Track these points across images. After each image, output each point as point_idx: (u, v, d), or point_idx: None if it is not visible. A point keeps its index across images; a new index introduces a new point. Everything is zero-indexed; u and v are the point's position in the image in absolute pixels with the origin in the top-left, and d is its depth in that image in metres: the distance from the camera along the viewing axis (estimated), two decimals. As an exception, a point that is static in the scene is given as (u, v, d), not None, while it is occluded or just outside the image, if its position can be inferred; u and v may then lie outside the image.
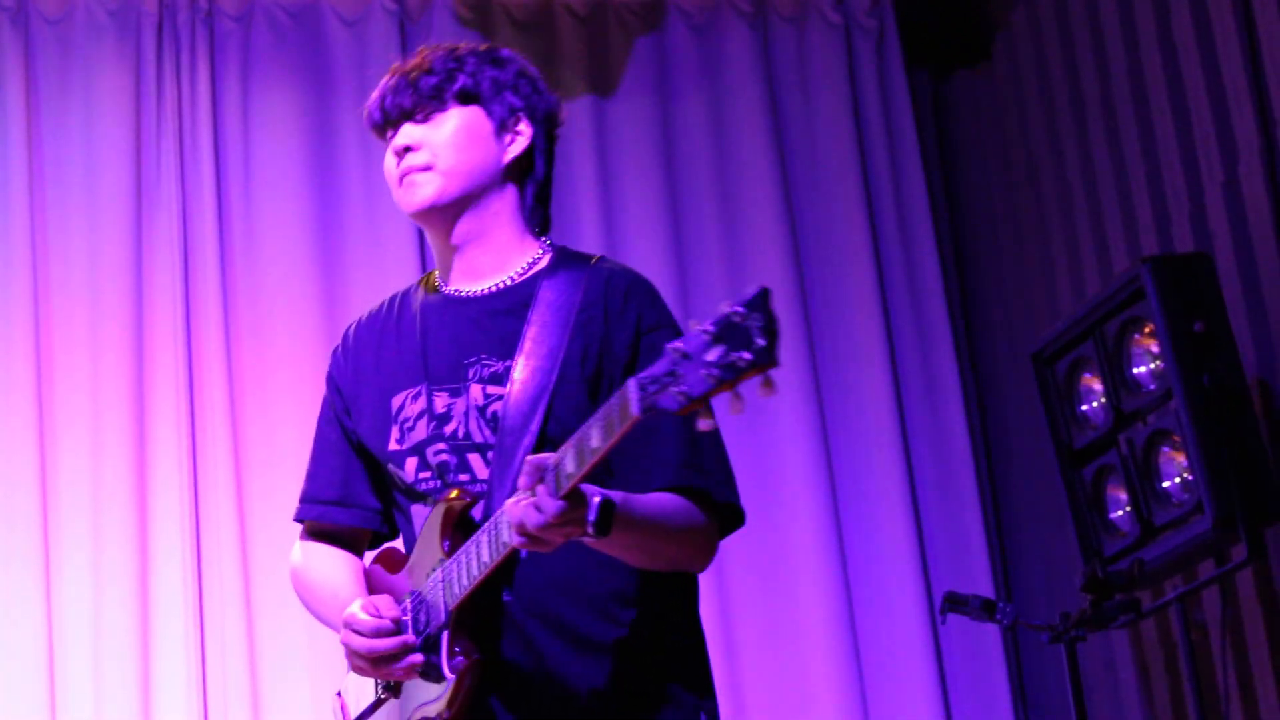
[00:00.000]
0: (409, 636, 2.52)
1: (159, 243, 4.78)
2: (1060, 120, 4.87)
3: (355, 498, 2.76)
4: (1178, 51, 4.34)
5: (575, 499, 2.28)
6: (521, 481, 2.29)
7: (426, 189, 2.66)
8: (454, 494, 2.59)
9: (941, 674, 4.91)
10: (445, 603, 2.50)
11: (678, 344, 2.10)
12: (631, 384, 2.14)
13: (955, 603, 4.16)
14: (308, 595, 2.81)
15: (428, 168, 2.66)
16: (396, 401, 2.67)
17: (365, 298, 4.74)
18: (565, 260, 2.68)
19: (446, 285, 2.72)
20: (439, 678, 2.51)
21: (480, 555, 2.43)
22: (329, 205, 4.94)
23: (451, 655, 2.49)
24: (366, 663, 2.54)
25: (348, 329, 2.83)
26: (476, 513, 2.57)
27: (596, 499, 2.30)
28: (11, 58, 4.81)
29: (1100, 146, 4.67)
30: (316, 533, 2.82)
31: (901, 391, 5.09)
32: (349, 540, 2.80)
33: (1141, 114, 4.49)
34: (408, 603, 2.58)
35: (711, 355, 2.04)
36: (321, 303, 4.86)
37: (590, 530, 2.30)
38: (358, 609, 2.55)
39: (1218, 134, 4.20)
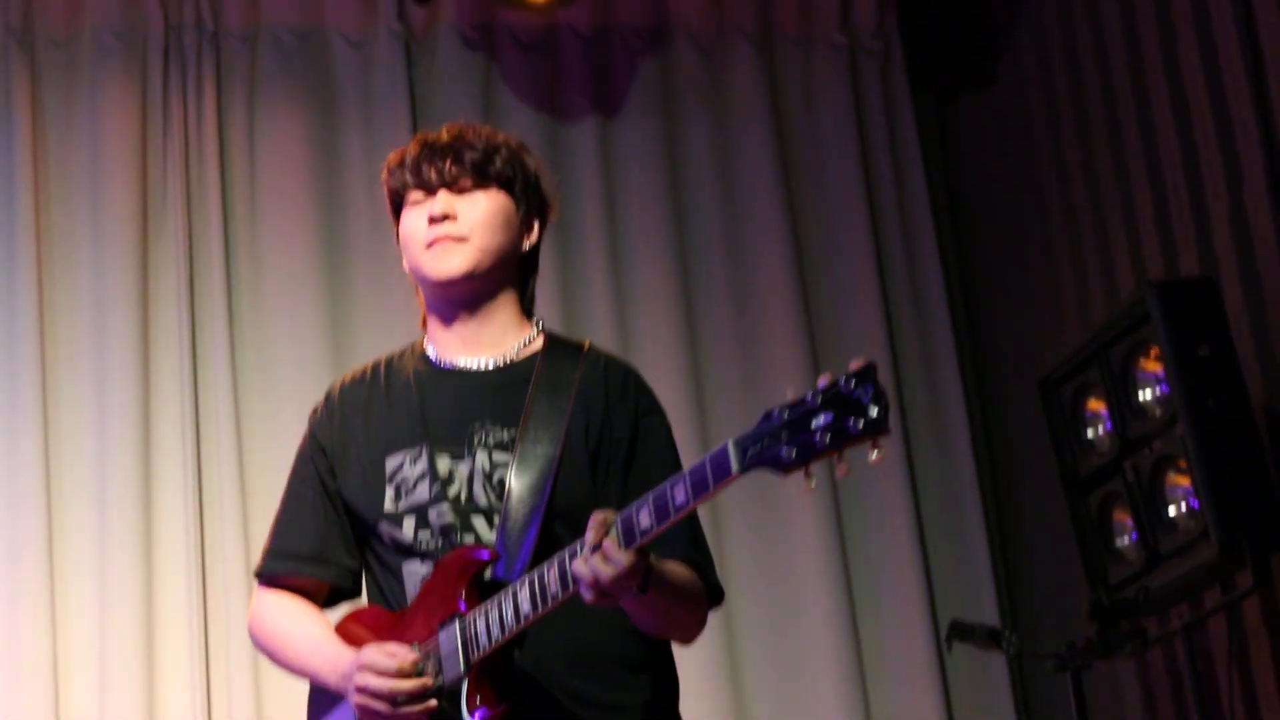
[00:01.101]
0: (428, 679, 2.60)
1: (165, 263, 4.79)
2: (1066, 144, 4.86)
3: (331, 555, 2.86)
4: (1183, 75, 4.33)
5: (642, 555, 2.44)
6: (589, 537, 2.42)
7: (461, 259, 2.78)
8: (470, 550, 2.68)
9: (947, 702, 4.89)
10: (467, 654, 2.58)
11: (780, 410, 2.27)
12: (729, 444, 2.30)
13: (961, 631, 4.15)
14: (279, 647, 2.87)
15: (463, 239, 2.79)
16: (392, 462, 2.79)
17: (370, 318, 4.77)
18: (559, 344, 2.87)
19: (442, 356, 2.85)
20: None
21: (520, 608, 2.53)
22: (334, 226, 4.94)
23: (472, 707, 2.56)
24: (385, 704, 2.60)
25: (330, 390, 2.94)
26: (498, 570, 2.67)
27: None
28: (18, 80, 4.81)
29: (1106, 170, 4.66)
30: (277, 585, 2.90)
31: (906, 416, 5.07)
32: (311, 597, 2.88)
33: (1147, 138, 4.48)
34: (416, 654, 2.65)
35: (819, 422, 2.23)
36: (326, 322, 4.86)
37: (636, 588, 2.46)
38: (374, 651, 2.63)
39: (1223, 158, 4.19)
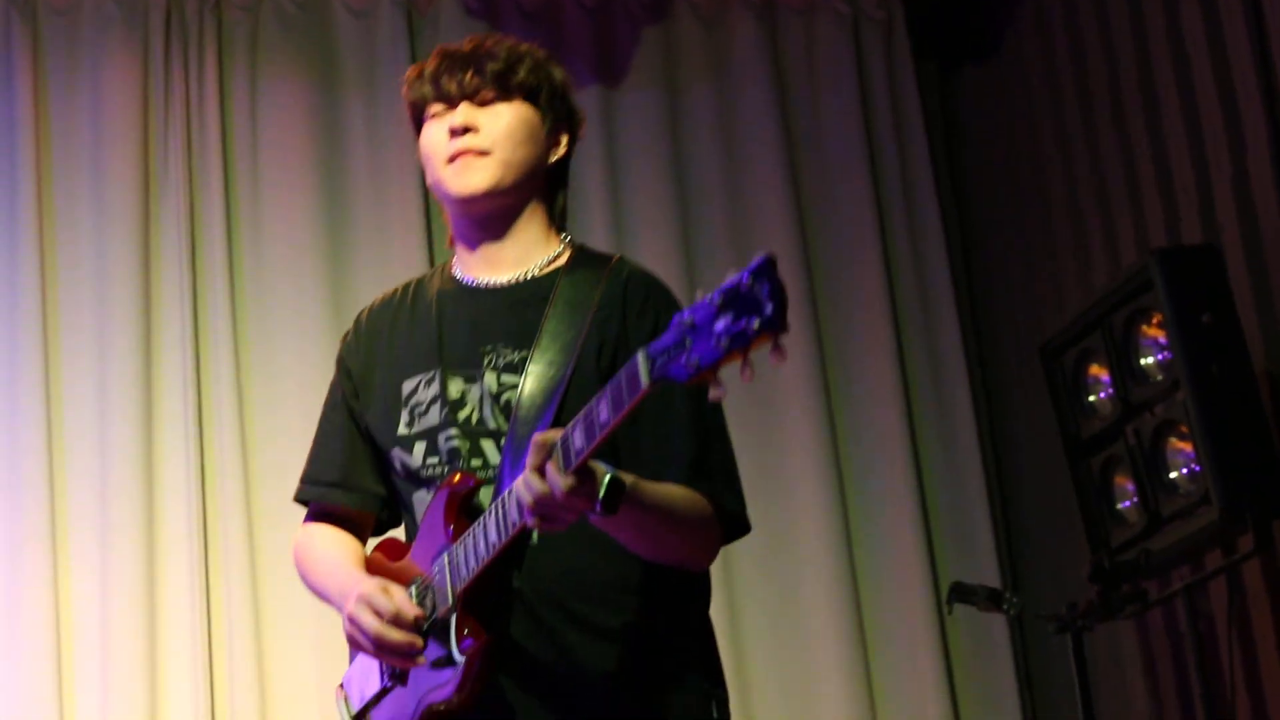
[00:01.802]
0: (417, 640, 2.53)
1: (167, 232, 4.79)
2: (1068, 112, 4.87)
3: (356, 481, 2.78)
4: (1186, 43, 4.34)
5: (584, 475, 2.28)
6: (530, 459, 2.30)
7: (483, 174, 2.67)
8: (456, 478, 2.60)
9: (948, 664, 4.92)
10: (451, 586, 2.51)
11: (685, 315, 2.10)
12: (639, 356, 2.15)
13: (962, 593, 4.16)
14: (308, 570, 2.82)
15: (485, 153, 2.68)
16: (408, 386, 2.69)
17: (372, 287, 4.74)
18: (585, 258, 2.73)
19: (466, 274, 2.74)
20: (448, 662, 2.51)
21: (488, 536, 2.44)
22: (336, 195, 4.94)
23: (460, 638, 2.49)
24: (370, 644, 2.55)
25: (360, 313, 2.85)
26: (486, 498, 2.57)
27: (607, 476, 2.31)
28: (20, 49, 4.81)
29: (1108, 138, 4.67)
30: (321, 516, 2.84)
31: (909, 382, 5.09)
32: (354, 525, 2.82)
33: (1149, 106, 4.49)
34: (412, 590, 2.59)
35: (720, 325, 2.05)
36: (329, 292, 4.86)
37: (598, 508, 2.31)
38: (377, 589, 2.55)
39: (1226, 126, 4.20)
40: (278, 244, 4.86)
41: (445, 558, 2.53)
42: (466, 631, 2.49)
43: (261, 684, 4.55)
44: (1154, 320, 3.96)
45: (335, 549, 2.78)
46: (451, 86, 2.70)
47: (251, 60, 4.98)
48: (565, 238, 2.76)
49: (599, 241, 4.99)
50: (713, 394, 2.09)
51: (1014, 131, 5.16)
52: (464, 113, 2.69)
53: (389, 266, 4.77)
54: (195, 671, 4.51)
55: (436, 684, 2.53)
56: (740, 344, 2.02)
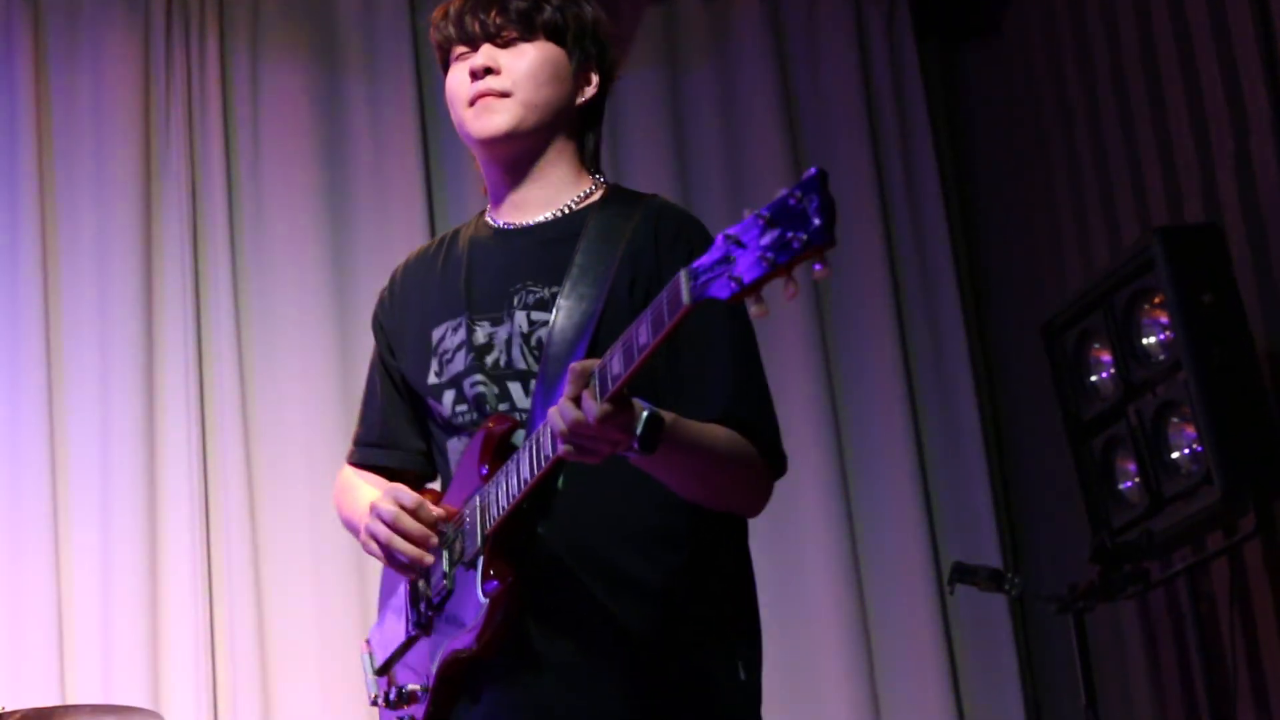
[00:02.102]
0: (430, 535, 2.49)
1: (168, 214, 4.79)
2: (1070, 91, 4.86)
3: (396, 438, 2.75)
4: (1188, 22, 4.33)
5: (621, 404, 2.21)
6: (567, 389, 2.23)
7: (504, 116, 2.62)
8: (491, 422, 2.54)
9: (949, 645, 4.92)
10: (481, 527, 2.45)
11: (731, 231, 2.04)
12: (681, 274, 2.08)
13: (963, 573, 4.16)
14: (341, 505, 2.79)
15: (506, 94, 2.63)
16: (437, 334, 2.65)
17: (374, 268, 4.77)
18: (619, 195, 2.68)
19: (496, 218, 2.70)
20: (473, 606, 2.44)
21: (520, 472, 2.37)
22: (337, 176, 4.94)
23: (485, 579, 2.43)
24: (387, 530, 2.50)
25: (395, 269, 2.82)
26: (518, 440, 2.50)
27: (645, 412, 2.24)
28: (20, 28, 4.81)
29: (1110, 117, 4.66)
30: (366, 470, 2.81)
31: (910, 362, 5.09)
32: (396, 479, 2.73)
33: (1151, 85, 4.48)
34: (447, 531, 2.53)
35: (766, 239, 1.98)
36: (330, 275, 4.86)
37: (636, 445, 2.24)
38: (383, 497, 2.53)
39: (1228, 105, 4.19)
40: (279, 225, 4.86)
41: (477, 499, 2.48)
42: (492, 573, 2.42)
43: (264, 684, 4.57)
44: (1155, 300, 3.96)
45: (362, 483, 2.76)
46: (474, 27, 2.65)
47: (252, 42, 4.98)
48: (598, 177, 2.70)
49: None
50: (753, 311, 2.03)
51: (1016, 110, 5.15)
52: (485, 54, 2.64)
53: (390, 248, 4.76)
54: (197, 661, 4.52)
55: (459, 630, 2.47)
56: (784, 257, 1.96)
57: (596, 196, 2.66)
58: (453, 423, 2.62)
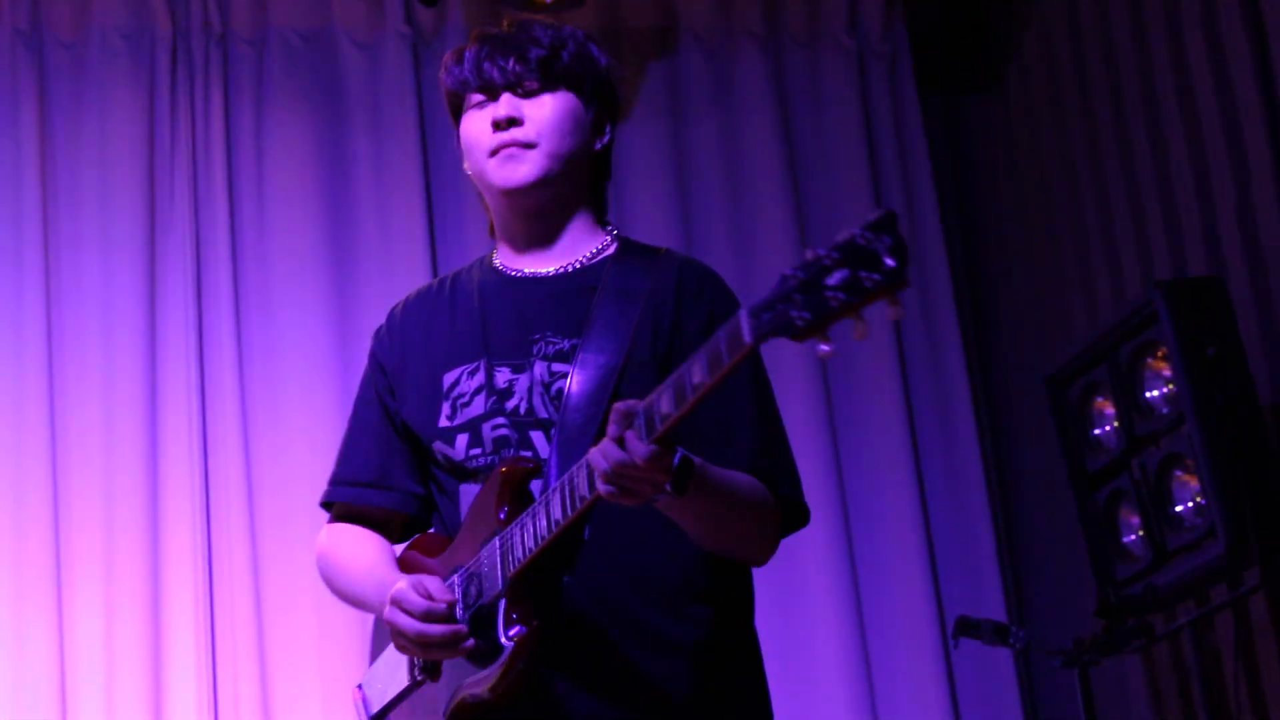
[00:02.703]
0: (460, 626, 2.43)
1: (172, 266, 4.80)
2: (1073, 144, 4.87)
3: (393, 480, 2.70)
4: (1191, 75, 4.34)
5: (667, 446, 2.20)
6: (610, 429, 2.21)
7: (529, 167, 2.61)
8: (505, 465, 2.50)
9: (954, 699, 4.90)
10: (503, 570, 2.41)
11: (790, 272, 2.01)
12: (742, 312, 2.04)
13: (967, 627, 4.15)
14: (338, 575, 2.72)
15: (531, 145, 2.61)
16: (450, 377, 2.62)
17: (378, 317, 4.75)
18: (633, 248, 2.68)
19: (511, 266, 2.68)
20: (492, 653, 2.41)
21: (551, 513, 2.34)
22: (341, 228, 4.95)
23: (508, 624, 2.40)
24: (413, 644, 2.46)
25: (393, 309, 2.79)
26: (536, 487, 2.48)
27: (676, 455, 2.24)
28: (26, 79, 4.83)
29: (1113, 170, 4.68)
30: (346, 517, 2.75)
31: (914, 414, 5.09)
32: (381, 525, 2.73)
33: (1154, 137, 4.50)
34: (455, 579, 2.51)
35: (834, 279, 1.96)
36: (335, 322, 4.87)
37: (668, 486, 2.24)
38: (407, 588, 2.45)
39: (1230, 158, 4.20)
40: (283, 276, 4.87)
41: (497, 542, 2.44)
42: (515, 617, 2.39)
43: (265, 700, 4.55)
44: (1159, 353, 3.96)
45: (368, 550, 2.69)
46: (494, 74, 2.63)
47: (257, 93, 4.99)
48: (611, 229, 2.71)
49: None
50: (821, 351, 2.00)
51: (1019, 162, 5.17)
52: (508, 104, 2.62)
53: (394, 298, 4.72)
54: (199, 696, 4.51)
55: (476, 675, 2.44)
56: (856, 297, 1.94)
57: (611, 250, 2.66)
58: (466, 466, 2.59)
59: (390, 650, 2.62)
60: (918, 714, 4.87)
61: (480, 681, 2.42)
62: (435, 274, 4.90)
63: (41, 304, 4.67)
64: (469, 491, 2.58)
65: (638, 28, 5.24)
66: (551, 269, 2.65)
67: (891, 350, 5.09)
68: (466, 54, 2.67)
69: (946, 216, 5.31)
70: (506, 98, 2.62)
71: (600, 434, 2.34)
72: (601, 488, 2.23)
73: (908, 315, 5.16)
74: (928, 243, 5.23)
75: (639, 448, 2.18)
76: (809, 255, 1.99)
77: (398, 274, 4.89)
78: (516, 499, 2.46)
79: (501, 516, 2.45)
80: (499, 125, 2.61)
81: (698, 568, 2.51)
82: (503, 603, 2.41)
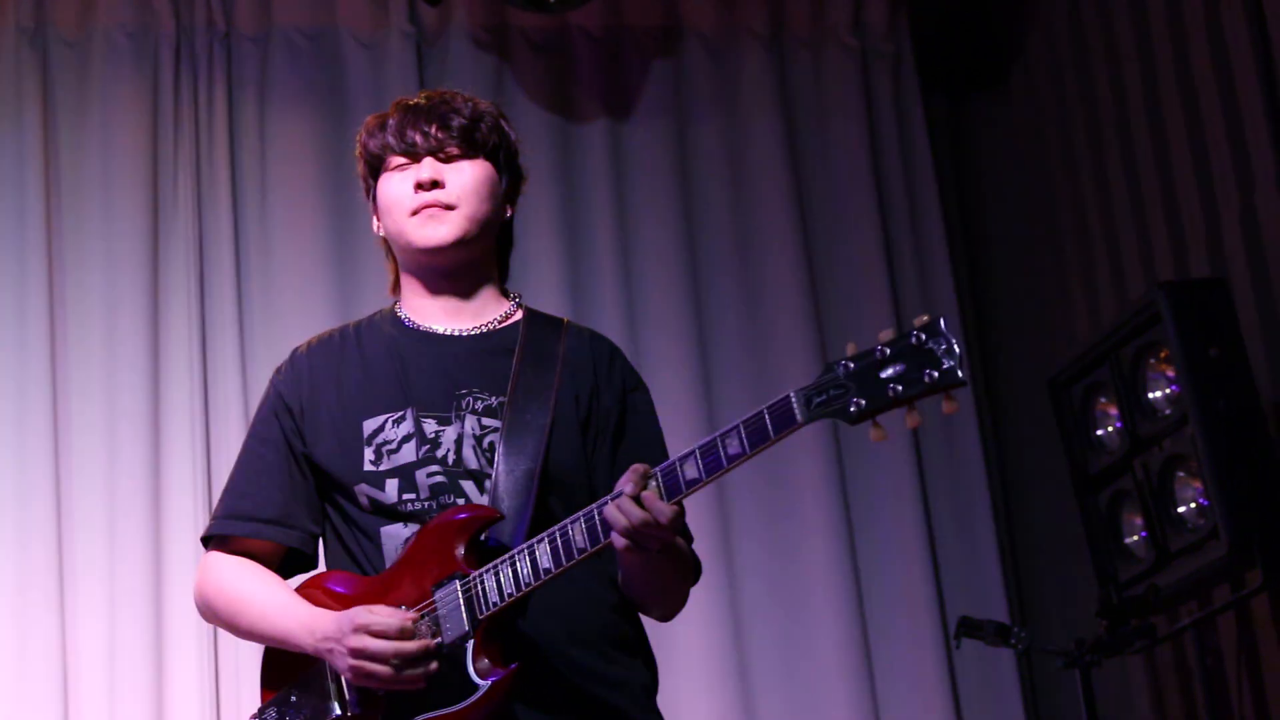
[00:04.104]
0: (429, 640, 2.55)
1: (176, 263, 4.80)
2: (1076, 145, 4.88)
3: (295, 519, 2.78)
4: (1194, 77, 4.35)
5: (680, 505, 2.44)
6: (627, 487, 2.43)
7: (449, 227, 2.75)
8: (465, 510, 2.63)
9: (956, 699, 4.90)
10: (469, 612, 2.54)
11: (845, 362, 2.30)
12: (791, 394, 2.32)
13: (970, 628, 4.16)
14: (239, 607, 2.77)
15: (451, 207, 2.76)
16: (371, 424, 2.73)
17: (381, 319, 4.77)
18: (538, 316, 2.85)
19: (421, 322, 2.81)
20: (462, 689, 2.53)
21: (539, 562, 2.51)
22: (344, 227, 4.95)
23: (479, 666, 2.53)
24: (385, 667, 2.54)
25: (295, 351, 2.88)
26: (499, 533, 2.63)
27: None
28: (30, 78, 4.83)
29: (1116, 172, 4.68)
30: (227, 551, 2.81)
31: (916, 415, 5.08)
32: (264, 561, 2.80)
33: (1157, 139, 4.50)
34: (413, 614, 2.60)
35: (889, 372, 2.27)
36: (337, 321, 4.84)
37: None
38: (367, 613, 2.56)
39: (1233, 160, 4.20)
40: (286, 274, 4.87)
41: (457, 585, 2.55)
42: (487, 659, 2.53)
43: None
44: (1162, 354, 3.96)
45: (272, 586, 2.76)
46: (416, 139, 2.78)
47: (260, 91, 4.99)
48: (514, 296, 2.87)
49: (606, 272, 5.01)
50: (875, 435, 2.30)
51: (1022, 165, 5.17)
52: (431, 167, 2.77)
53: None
54: (201, 694, 4.52)
55: (442, 711, 2.55)
56: (913, 390, 2.25)
57: (519, 315, 2.83)
58: (399, 510, 2.69)
59: (302, 686, 2.69)
60: (920, 714, 4.87)
61: (449, 717, 2.54)
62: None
63: (45, 302, 4.67)
64: (394, 533, 2.70)
65: (642, 27, 5.24)
66: (467, 329, 2.80)
67: (894, 350, 5.09)
68: (389, 121, 2.81)
69: (949, 216, 5.31)
70: (429, 161, 2.78)
71: (545, 484, 2.64)
72: (618, 541, 2.44)
73: (909, 314, 5.16)
74: (930, 242, 5.24)
75: (663, 508, 2.42)
76: (851, 349, 2.30)
77: (400, 274, 4.90)
78: (475, 545, 2.60)
79: (459, 557, 2.58)
80: (422, 186, 2.76)
81: (621, 619, 2.72)
82: (471, 643, 2.54)
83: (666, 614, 2.79)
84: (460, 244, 2.76)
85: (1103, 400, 4.20)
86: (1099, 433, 4.21)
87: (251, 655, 4.51)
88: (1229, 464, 3.77)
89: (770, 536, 4.93)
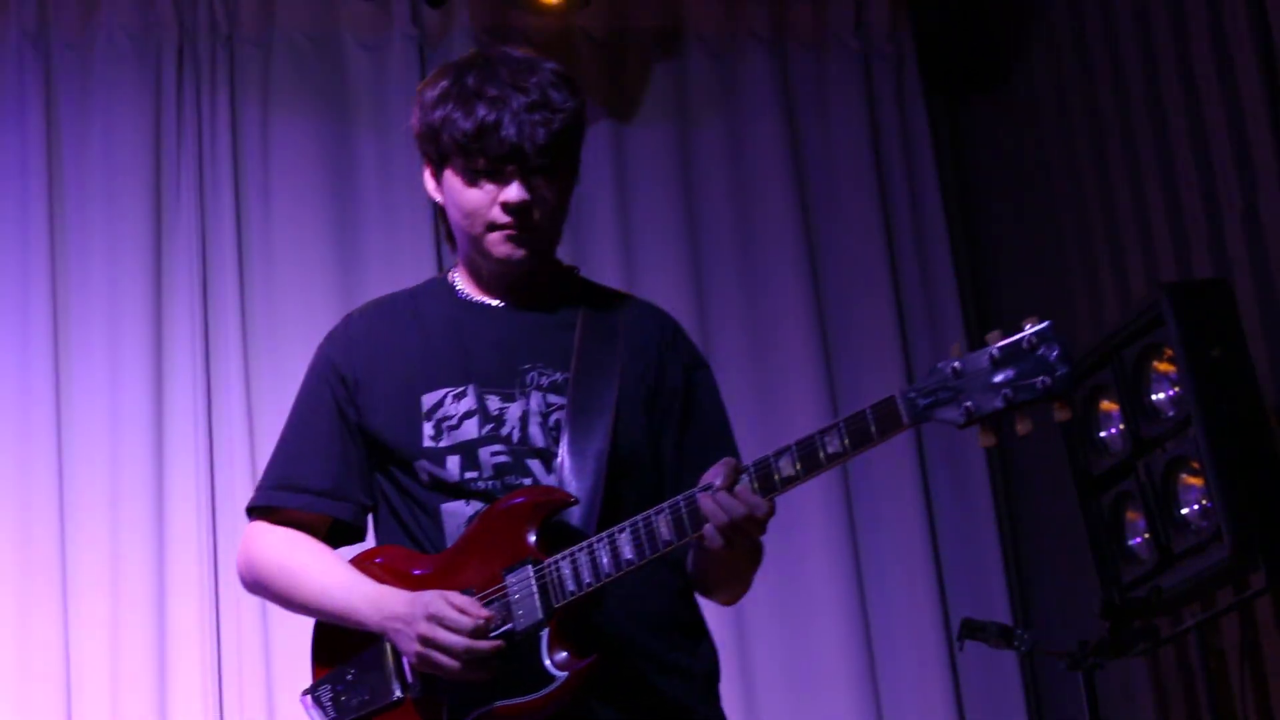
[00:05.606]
0: (500, 642, 2.47)
1: (178, 266, 4.81)
2: (1079, 147, 4.88)
3: (347, 491, 2.69)
4: (1196, 78, 4.35)
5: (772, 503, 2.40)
6: (719, 480, 2.37)
7: (529, 250, 2.62)
8: (538, 492, 2.55)
9: (959, 701, 4.91)
10: (546, 600, 2.47)
11: (952, 363, 2.26)
12: (896, 395, 2.29)
13: (973, 629, 4.15)
14: (296, 579, 2.68)
15: (535, 229, 2.61)
16: (430, 399, 2.63)
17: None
18: (595, 289, 2.76)
19: (481, 295, 2.70)
20: (534, 679, 2.47)
21: (621, 553, 2.43)
22: (347, 229, 4.96)
23: (554, 652, 2.46)
24: (454, 660, 2.47)
25: (349, 317, 2.78)
26: (570, 517, 2.54)
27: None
28: (33, 81, 4.84)
29: (1119, 173, 4.68)
30: (274, 521, 2.72)
31: (919, 416, 5.09)
32: (311, 532, 2.71)
33: (1160, 140, 4.50)
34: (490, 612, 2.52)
35: (999, 377, 2.24)
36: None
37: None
38: (443, 604, 2.48)
39: (1236, 161, 4.20)
40: (289, 276, 4.88)
41: (530, 571, 2.48)
42: (563, 649, 2.46)
43: (270, 706, 4.56)
44: (1165, 355, 3.96)
45: (332, 560, 2.67)
46: (506, 150, 2.56)
47: (263, 94, 5.00)
48: (570, 267, 2.76)
49: (610, 272, 5.01)
50: (984, 440, 2.25)
51: (1024, 164, 5.17)
52: (518, 189, 2.58)
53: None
54: (205, 699, 4.53)
55: (514, 700, 2.48)
56: (1026, 396, 2.21)
57: (578, 289, 2.74)
58: (463, 487, 2.60)
59: (360, 664, 2.62)
60: (923, 716, 4.88)
61: (523, 706, 2.47)
62: (440, 271, 4.90)
63: (48, 305, 4.68)
64: (455, 510, 2.61)
65: (644, 29, 5.25)
66: (527, 303, 2.69)
67: (896, 351, 5.10)
68: (480, 111, 2.57)
69: (951, 218, 5.32)
70: (515, 180, 2.58)
71: (613, 466, 2.55)
72: (714, 537, 2.38)
73: (911, 318, 5.17)
74: (932, 244, 5.25)
75: (759, 503, 2.38)
76: (958, 351, 2.26)
77: (403, 274, 4.88)
78: (546, 528, 2.51)
79: (531, 543, 2.50)
80: (509, 209, 2.59)
81: (685, 606, 2.67)
82: (546, 632, 2.47)
83: (733, 600, 2.73)
84: (538, 260, 2.64)
85: (1106, 402, 4.19)
86: (1102, 435, 4.20)
87: (254, 660, 4.54)
88: (1232, 466, 3.77)
89: (773, 538, 4.89)
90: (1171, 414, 3.95)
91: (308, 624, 4.49)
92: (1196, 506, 3.91)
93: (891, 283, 5.16)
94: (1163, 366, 3.99)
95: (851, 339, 5.13)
